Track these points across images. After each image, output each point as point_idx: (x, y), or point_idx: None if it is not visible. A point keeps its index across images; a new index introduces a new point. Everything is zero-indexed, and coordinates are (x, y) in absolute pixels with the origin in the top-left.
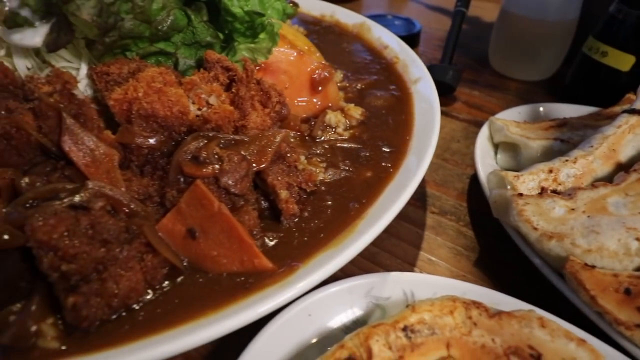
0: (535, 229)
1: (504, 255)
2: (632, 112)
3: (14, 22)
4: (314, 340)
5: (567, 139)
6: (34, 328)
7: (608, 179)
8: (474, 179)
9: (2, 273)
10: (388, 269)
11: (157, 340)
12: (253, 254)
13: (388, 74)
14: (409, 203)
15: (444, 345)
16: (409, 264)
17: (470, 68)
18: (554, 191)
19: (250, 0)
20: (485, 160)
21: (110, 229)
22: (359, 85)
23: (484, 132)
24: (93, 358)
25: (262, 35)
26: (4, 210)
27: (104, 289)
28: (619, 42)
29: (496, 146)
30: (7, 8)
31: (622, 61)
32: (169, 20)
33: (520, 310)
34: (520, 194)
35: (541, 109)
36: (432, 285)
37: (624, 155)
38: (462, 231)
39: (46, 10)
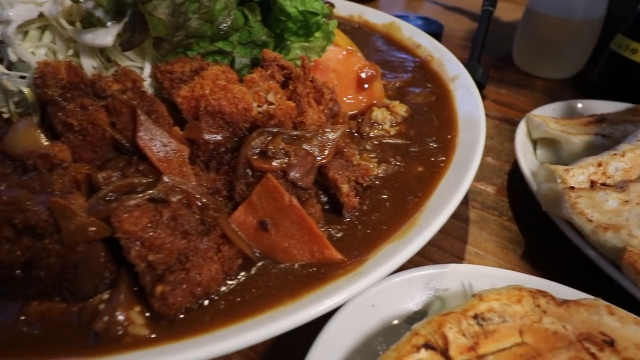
0: (590, 220)
1: (551, 248)
2: None
3: (89, 22)
4: (377, 330)
5: (607, 134)
6: (123, 316)
7: None
8: (512, 174)
9: (89, 263)
10: (438, 262)
11: (242, 327)
12: (323, 245)
13: (424, 72)
14: None
15: (517, 332)
16: (457, 257)
17: (494, 67)
18: (604, 184)
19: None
20: (526, 156)
21: (190, 220)
22: (397, 83)
23: (522, 128)
24: (182, 345)
25: (317, 34)
26: (88, 203)
27: (188, 278)
28: None
29: (534, 142)
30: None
31: None
32: (229, 20)
33: (587, 299)
34: (572, 187)
35: (579, 105)
36: (489, 277)
37: None
38: (505, 225)
39: (117, 11)
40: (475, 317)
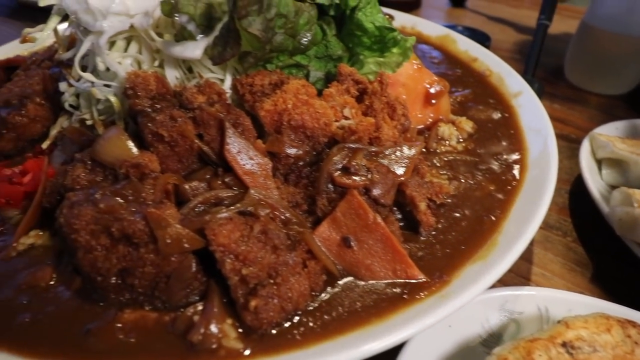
0: None
1: (623, 273)
2: None
3: (182, 36)
4: (454, 352)
5: None
6: (217, 328)
7: None
8: (574, 194)
9: (181, 274)
10: (505, 282)
11: (334, 346)
12: (407, 264)
13: (483, 87)
14: None
15: None
16: (523, 278)
17: (545, 80)
18: None
19: (376, 15)
20: (592, 177)
21: (279, 235)
22: (458, 97)
23: (586, 147)
24: (277, 359)
25: (394, 50)
26: (180, 214)
27: (280, 292)
28: None
29: (598, 161)
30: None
31: None
32: (310, 35)
33: None
34: None
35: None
36: (565, 302)
37: None
38: (571, 247)
39: (207, 25)
40: (564, 345)
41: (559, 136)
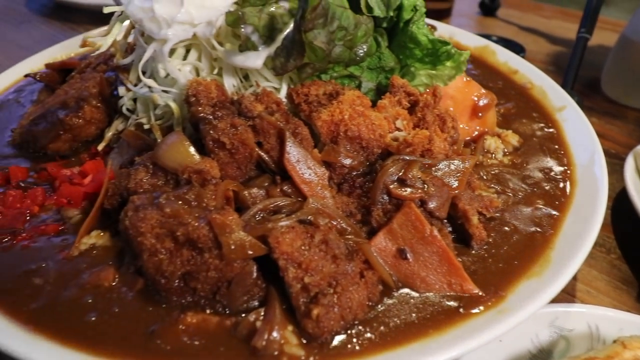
0: None
1: None
2: None
3: (246, 46)
4: None
5: None
6: (279, 335)
7: None
8: (616, 210)
9: (243, 279)
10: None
11: (393, 357)
12: (462, 278)
13: (526, 100)
14: None
15: None
16: (568, 294)
17: (581, 93)
18: None
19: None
20: (638, 193)
21: (339, 245)
22: (501, 109)
23: (630, 164)
24: None
25: (448, 63)
26: (242, 220)
27: (340, 302)
28: None
29: None
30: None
31: None
32: (366, 47)
33: None
34: None
35: None
36: (617, 321)
37: None
38: (615, 264)
39: (269, 36)
40: None
41: None
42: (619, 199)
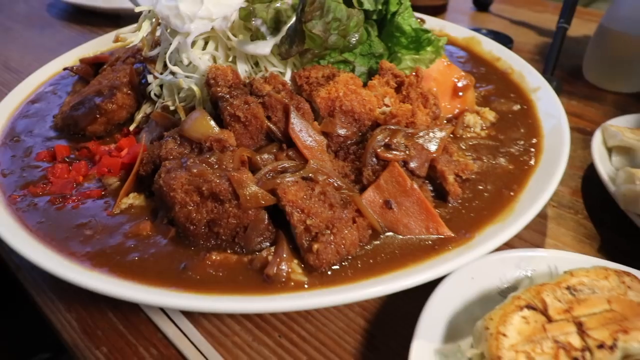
0: None
1: (626, 243)
2: None
3: (256, 36)
4: (475, 299)
5: None
6: (286, 266)
7: None
8: (587, 178)
9: (257, 224)
10: None
11: (378, 281)
12: (438, 223)
13: (506, 83)
14: None
15: (606, 301)
16: (538, 248)
17: (563, 80)
18: None
19: (410, 18)
20: (602, 162)
21: (335, 195)
22: (483, 92)
23: (598, 137)
24: (333, 290)
25: (429, 49)
26: (255, 178)
27: (336, 240)
28: None
29: (609, 150)
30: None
31: None
32: (357, 35)
33: None
34: None
35: None
36: (573, 262)
37: None
38: (581, 223)
39: (275, 27)
40: (568, 288)
41: (576, 129)
42: (590, 169)
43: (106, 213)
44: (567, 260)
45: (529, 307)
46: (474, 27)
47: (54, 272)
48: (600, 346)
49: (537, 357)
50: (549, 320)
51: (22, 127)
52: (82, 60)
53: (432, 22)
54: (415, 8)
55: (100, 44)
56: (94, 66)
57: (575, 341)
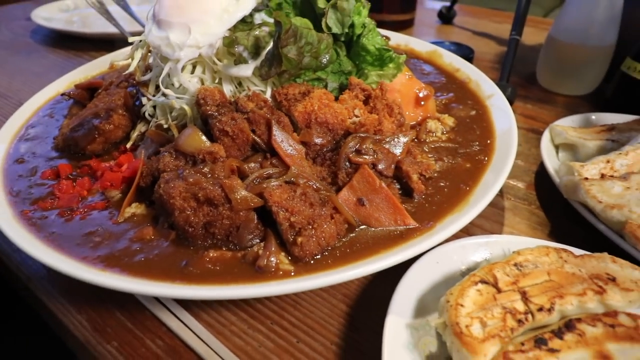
0: (600, 202)
1: (571, 228)
2: None
3: (239, 61)
4: (440, 281)
5: (616, 140)
6: (275, 258)
7: None
8: (538, 173)
9: (247, 224)
10: None
11: (354, 266)
12: (404, 216)
13: (464, 92)
14: None
15: (546, 273)
16: (494, 234)
17: (520, 85)
18: (611, 176)
19: (375, 38)
20: (550, 158)
21: (314, 195)
22: (444, 100)
23: (546, 136)
24: (316, 275)
25: (391, 65)
26: (244, 184)
27: (317, 234)
28: None
29: (556, 147)
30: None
31: None
32: (328, 56)
33: (597, 254)
34: (586, 178)
35: (592, 117)
36: (523, 244)
37: None
38: (534, 212)
39: (255, 52)
40: (515, 264)
41: (530, 130)
42: (542, 165)
43: (111, 222)
44: (518, 243)
45: (483, 281)
46: (439, 39)
47: (72, 274)
48: (540, 309)
49: (488, 321)
50: (499, 291)
51: (24, 150)
52: (77, 86)
53: (398, 38)
54: (385, 23)
55: (89, 70)
56: (88, 91)
57: (520, 306)
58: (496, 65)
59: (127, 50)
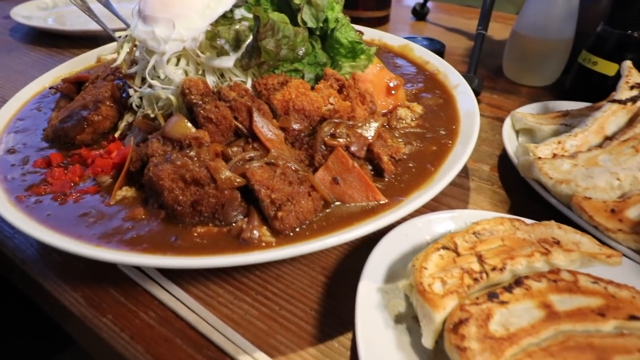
0: (551, 178)
1: (527, 203)
2: (613, 102)
3: (221, 53)
4: (409, 251)
5: (569, 124)
6: (258, 232)
7: (598, 146)
8: (502, 157)
9: (232, 202)
10: None
11: (329, 236)
12: (375, 192)
13: (433, 82)
14: (457, 174)
15: (500, 239)
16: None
17: (488, 77)
18: (562, 155)
19: (349, 32)
20: (511, 142)
21: (293, 175)
22: (414, 90)
23: (508, 122)
24: (294, 246)
25: (362, 57)
26: (228, 165)
27: (295, 209)
28: (606, 54)
29: (517, 132)
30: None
31: (608, 68)
32: (304, 48)
33: (545, 222)
34: (540, 158)
35: (550, 105)
36: (483, 217)
37: (609, 130)
38: (496, 191)
39: (236, 45)
40: (474, 233)
41: (495, 118)
42: (504, 149)
43: (104, 204)
44: (478, 217)
45: (445, 247)
46: (413, 34)
47: (70, 250)
48: (493, 269)
49: (448, 280)
50: (458, 255)
51: (15, 141)
52: (64, 80)
53: (372, 33)
54: (361, 19)
55: (73, 65)
56: (75, 84)
57: (476, 267)
58: (466, 58)
59: (113, 45)
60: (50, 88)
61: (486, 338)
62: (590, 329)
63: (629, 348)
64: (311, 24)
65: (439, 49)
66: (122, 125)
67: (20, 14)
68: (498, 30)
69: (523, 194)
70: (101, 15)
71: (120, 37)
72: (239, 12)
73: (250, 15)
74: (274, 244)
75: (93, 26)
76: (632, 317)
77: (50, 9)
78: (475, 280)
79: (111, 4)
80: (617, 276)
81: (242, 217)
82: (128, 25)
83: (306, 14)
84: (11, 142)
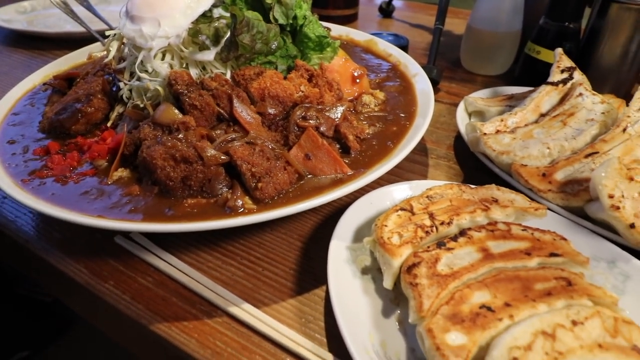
0: (494, 150)
1: (477, 174)
2: (547, 84)
3: (202, 47)
4: (374, 216)
5: (513, 105)
6: (241, 201)
7: (534, 122)
8: (457, 137)
9: (217, 177)
10: None
11: (303, 202)
12: (342, 166)
13: (394, 72)
14: (417, 152)
15: (448, 200)
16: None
17: (447, 68)
18: (504, 131)
19: (316, 28)
20: (464, 122)
21: (270, 152)
22: (377, 79)
23: (461, 106)
24: (273, 211)
25: (328, 49)
26: (213, 145)
27: (273, 181)
28: (547, 44)
29: (469, 114)
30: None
31: (550, 56)
32: (276, 43)
33: (487, 185)
34: (485, 134)
35: (498, 90)
36: (436, 184)
37: (543, 108)
38: (452, 167)
39: (216, 40)
40: (427, 197)
41: (453, 104)
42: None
43: (102, 184)
44: (433, 185)
45: (402, 209)
46: (379, 30)
47: (75, 221)
48: (442, 224)
49: (404, 234)
50: (413, 214)
51: (13, 133)
52: (55, 77)
53: (339, 30)
54: (331, 17)
55: (61, 64)
56: (67, 80)
57: (427, 222)
58: (428, 52)
59: (99, 44)
60: (44, 84)
61: (434, 276)
62: (519, 265)
63: (548, 277)
64: (282, 20)
65: (403, 44)
66: (114, 115)
67: (1, 18)
68: (458, 25)
69: (473, 167)
70: (82, 17)
71: (108, 36)
72: (217, 11)
73: (228, 14)
74: (255, 211)
75: (70, 28)
76: (552, 254)
77: (29, 12)
78: (427, 233)
79: (92, 6)
80: (545, 227)
81: (226, 189)
82: (110, 26)
83: (277, 12)
84: (9, 134)
